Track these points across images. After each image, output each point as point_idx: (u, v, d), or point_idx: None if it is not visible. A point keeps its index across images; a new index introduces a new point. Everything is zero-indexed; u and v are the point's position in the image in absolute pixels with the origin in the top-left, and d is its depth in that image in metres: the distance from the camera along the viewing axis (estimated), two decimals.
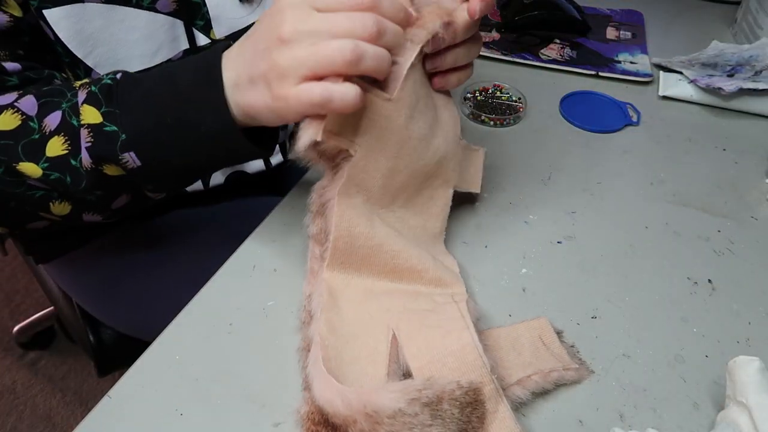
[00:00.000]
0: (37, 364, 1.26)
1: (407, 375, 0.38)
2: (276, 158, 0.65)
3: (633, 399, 0.41)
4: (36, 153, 0.41)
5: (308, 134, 0.39)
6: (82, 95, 0.42)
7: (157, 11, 0.50)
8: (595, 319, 0.47)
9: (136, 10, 0.48)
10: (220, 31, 0.55)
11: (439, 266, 0.47)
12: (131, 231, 0.63)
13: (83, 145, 0.41)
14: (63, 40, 0.46)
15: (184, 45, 0.53)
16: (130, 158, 0.41)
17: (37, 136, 0.42)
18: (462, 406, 0.35)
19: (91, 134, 0.41)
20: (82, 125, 0.41)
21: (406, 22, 0.40)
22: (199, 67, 0.41)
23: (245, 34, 0.41)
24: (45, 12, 0.45)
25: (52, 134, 0.42)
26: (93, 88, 0.41)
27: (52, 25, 0.46)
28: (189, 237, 0.63)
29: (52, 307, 1.27)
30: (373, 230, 0.46)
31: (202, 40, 0.54)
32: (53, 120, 0.42)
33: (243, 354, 0.43)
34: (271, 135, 0.45)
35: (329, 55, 0.36)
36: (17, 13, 0.45)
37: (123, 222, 0.63)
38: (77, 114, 0.41)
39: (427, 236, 0.50)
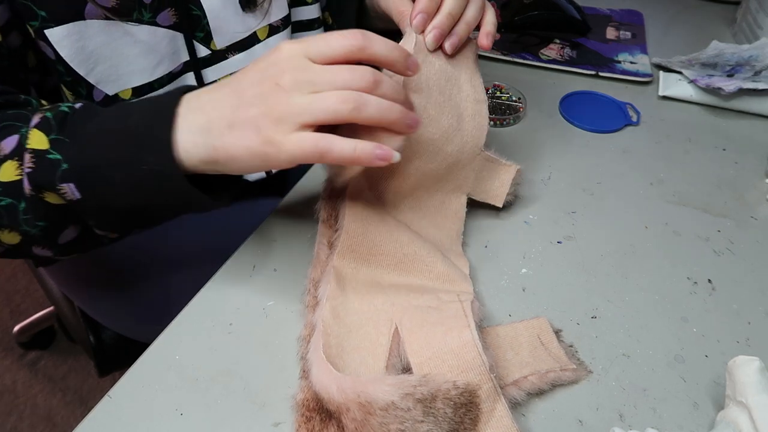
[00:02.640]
0: (37, 364, 1.26)
1: (407, 370, 0.39)
2: None
3: (633, 399, 0.41)
4: None
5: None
6: (35, 119, 0.40)
7: (157, 25, 0.49)
8: (595, 319, 0.47)
9: (137, 25, 0.48)
10: (221, 42, 0.55)
11: (449, 263, 0.47)
12: (131, 236, 0.63)
13: (24, 170, 0.39)
14: (65, 58, 0.46)
15: (185, 57, 0.54)
16: (69, 189, 0.39)
17: None
18: (456, 406, 0.35)
19: (33, 160, 0.39)
20: (26, 149, 0.39)
21: (402, 65, 0.41)
22: (153, 105, 0.40)
23: (221, 82, 0.41)
24: (47, 32, 0.45)
25: (6, 158, 0.40)
26: (48, 114, 0.40)
27: (54, 45, 0.45)
28: (189, 241, 0.63)
29: (52, 307, 1.27)
30: (384, 219, 0.48)
31: (202, 51, 0.54)
32: (9, 143, 0.40)
33: (243, 354, 0.43)
34: (226, 184, 0.44)
35: (333, 103, 0.37)
36: None
37: None
38: (28, 137, 0.40)
39: (442, 237, 0.50)
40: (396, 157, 0.39)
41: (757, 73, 0.72)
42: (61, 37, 0.45)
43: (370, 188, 0.49)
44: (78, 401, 1.20)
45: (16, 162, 0.40)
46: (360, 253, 0.46)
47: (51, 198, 0.40)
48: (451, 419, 0.35)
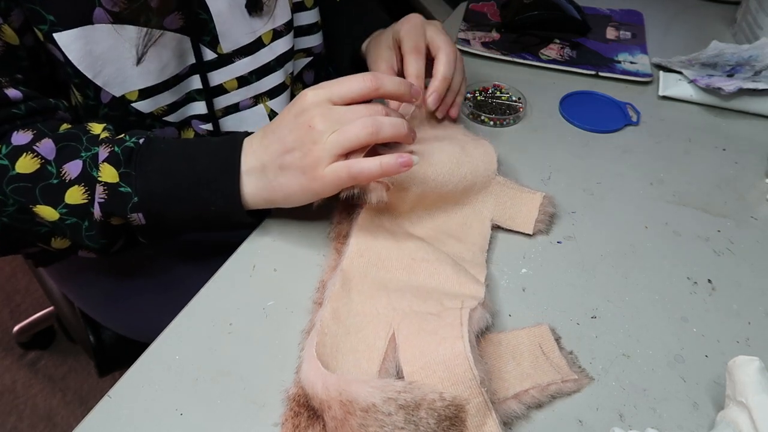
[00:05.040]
0: (37, 364, 1.26)
1: (401, 376, 0.38)
2: None
3: (633, 399, 0.41)
4: (55, 198, 0.45)
5: (376, 195, 0.47)
6: (103, 153, 0.45)
7: (164, 28, 0.50)
8: (595, 319, 0.47)
9: (145, 29, 0.49)
10: (227, 46, 0.55)
11: (459, 268, 0.47)
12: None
13: (97, 199, 0.45)
14: (73, 62, 0.47)
15: (191, 60, 0.54)
16: (137, 217, 0.46)
17: (55, 182, 0.45)
18: (440, 418, 0.35)
19: (106, 192, 0.45)
20: (99, 181, 0.45)
21: (408, 95, 0.48)
22: (219, 156, 0.46)
23: (267, 128, 0.47)
24: (55, 35, 0.45)
25: (72, 183, 0.45)
26: (116, 148, 0.45)
27: (63, 49, 0.46)
28: (189, 241, 0.63)
29: (52, 307, 1.27)
30: (394, 233, 0.49)
31: (209, 55, 0.55)
32: (73, 169, 0.45)
33: (243, 354, 0.43)
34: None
35: (356, 132, 0.43)
36: (13, 41, 0.46)
37: None
38: (97, 168, 0.45)
39: (463, 250, 0.50)
40: (415, 159, 0.45)
41: (757, 73, 0.72)
42: (69, 41, 0.46)
43: (388, 210, 0.51)
44: (78, 401, 1.20)
45: (82, 188, 0.45)
46: (368, 257, 0.47)
47: (116, 221, 0.47)
48: (434, 431, 0.34)
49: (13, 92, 0.46)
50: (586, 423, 0.40)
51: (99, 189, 0.45)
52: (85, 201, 0.45)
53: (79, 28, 0.46)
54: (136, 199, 0.45)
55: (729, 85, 0.68)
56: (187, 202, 0.46)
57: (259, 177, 0.46)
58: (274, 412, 0.39)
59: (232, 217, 0.47)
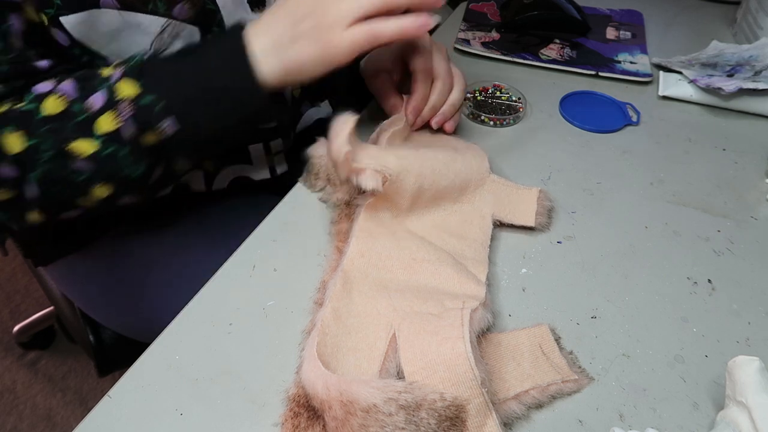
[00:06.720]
0: (37, 364, 1.27)
1: (402, 377, 0.38)
2: (281, 167, 0.66)
3: (633, 399, 0.41)
4: (87, 130, 0.44)
5: (371, 183, 0.46)
6: (117, 75, 0.45)
7: (173, 18, 0.50)
8: (595, 319, 0.47)
9: (152, 16, 0.49)
10: None
11: (460, 267, 0.47)
12: (130, 233, 0.63)
13: (126, 117, 0.44)
14: (80, 40, 0.47)
15: None
16: (168, 125, 0.45)
17: (83, 116, 0.44)
18: (440, 419, 0.35)
19: (132, 105, 0.44)
20: (122, 100, 0.44)
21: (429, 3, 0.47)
22: (224, 45, 0.46)
23: (271, 9, 0.47)
24: (61, 19, 0.46)
25: (100, 111, 0.44)
26: (126, 67, 0.45)
27: (69, 29, 0.46)
28: (188, 239, 0.63)
29: (52, 307, 1.27)
30: (395, 232, 0.49)
31: None
32: (97, 100, 0.44)
33: (243, 354, 0.43)
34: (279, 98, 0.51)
35: None
36: (35, 19, 0.46)
37: (121, 224, 0.63)
38: (116, 90, 0.44)
39: (464, 246, 0.50)
40: (433, 21, 0.45)
41: (757, 73, 0.72)
42: (75, 23, 0.46)
43: (388, 209, 0.51)
44: (78, 401, 1.20)
45: (110, 113, 0.44)
46: (369, 257, 0.47)
47: (150, 138, 0.45)
48: (434, 431, 0.34)
49: (42, 62, 0.47)
50: (586, 423, 0.40)
51: (125, 107, 0.44)
52: (117, 125, 0.44)
53: (86, 12, 0.46)
54: (162, 102, 0.44)
55: (729, 85, 0.68)
56: (206, 93, 0.45)
57: (271, 54, 0.46)
58: (274, 412, 0.39)
59: (253, 97, 0.46)
